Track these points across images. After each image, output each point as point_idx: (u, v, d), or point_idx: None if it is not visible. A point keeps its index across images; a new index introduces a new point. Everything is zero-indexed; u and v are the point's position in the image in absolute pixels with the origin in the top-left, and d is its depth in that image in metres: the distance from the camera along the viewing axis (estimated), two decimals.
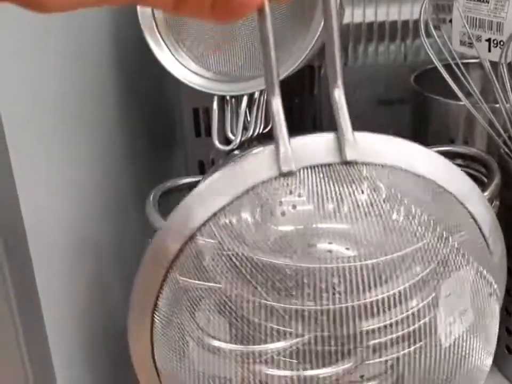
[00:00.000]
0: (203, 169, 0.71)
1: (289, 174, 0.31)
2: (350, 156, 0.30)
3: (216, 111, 0.56)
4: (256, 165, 0.32)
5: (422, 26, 0.50)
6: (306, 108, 0.75)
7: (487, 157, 0.49)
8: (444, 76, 0.51)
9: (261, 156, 0.32)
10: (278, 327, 0.41)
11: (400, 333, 0.45)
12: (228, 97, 0.57)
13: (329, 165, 0.32)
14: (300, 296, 0.43)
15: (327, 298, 0.42)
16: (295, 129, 0.33)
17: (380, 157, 0.33)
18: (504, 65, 0.43)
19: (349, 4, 0.73)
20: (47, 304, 0.40)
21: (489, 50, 0.46)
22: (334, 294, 0.43)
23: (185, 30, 0.55)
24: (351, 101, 0.73)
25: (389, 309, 0.44)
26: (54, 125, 0.44)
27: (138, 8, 0.53)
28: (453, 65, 0.52)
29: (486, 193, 0.46)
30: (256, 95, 0.56)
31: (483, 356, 0.44)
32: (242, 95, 0.56)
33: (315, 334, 0.43)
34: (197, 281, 0.43)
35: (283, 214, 0.35)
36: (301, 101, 0.73)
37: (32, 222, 0.38)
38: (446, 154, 0.52)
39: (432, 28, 0.48)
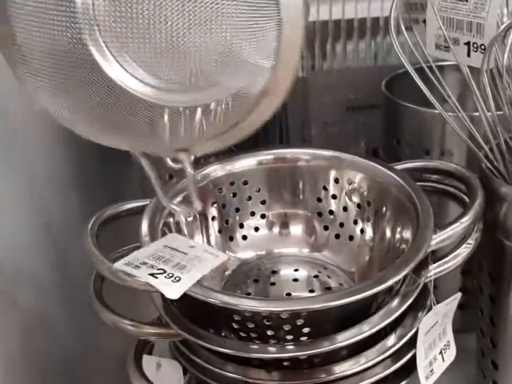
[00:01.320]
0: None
1: None
2: None
3: (168, 126, 0.50)
4: None
5: (392, 27, 0.45)
6: None
7: (467, 173, 0.44)
8: (416, 81, 0.46)
9: None
10: None
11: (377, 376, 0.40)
12: (181, 109, 0.51)
13: None
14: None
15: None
16: None
17: None
18: (486, 72, 0.38)
19: (314, 1, 0.68)
20: None
21: (469, 55, 0.41)
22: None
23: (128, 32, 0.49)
24: (320, 106, 0.69)
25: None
26: None
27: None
28: (426, 69, 0.47)
29: (468, 216, 0.41)
30: (213, 106, 0.51)
31: None
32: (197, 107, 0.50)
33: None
34: None
35: None
36: None
37: None
38: (420, 170, 0.48)
39: (403, 29, 0.43)
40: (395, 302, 0.39)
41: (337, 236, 0.49)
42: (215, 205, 0.50)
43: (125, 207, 0.45)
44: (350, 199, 0.48)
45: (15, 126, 0.48)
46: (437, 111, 0.48)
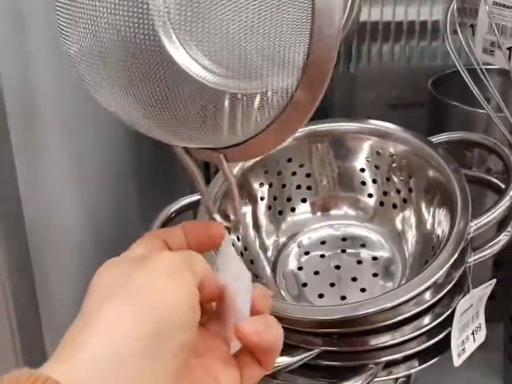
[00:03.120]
0: (208, 168, 0.69)
1: None
2: None
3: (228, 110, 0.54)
4: None
5: (448, 30, 0.48)
6: None
7: (507, 150, 0.47)
8: (467, 81, 0.49)
9: None
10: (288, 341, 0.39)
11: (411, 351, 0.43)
12: (239, 96, 0.54)
13: None
14: None
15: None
16: None
17: None
18: None
19: (365, 2, 0.71)
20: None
21: (510, 58, 0.44)
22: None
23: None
24: (364, 102, 0.72)
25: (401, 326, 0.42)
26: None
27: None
28: (478, 70, 0.50)
29: (505, 200, 0.44)
30: (269, 93, 0.54)
31: None
32: (255, 94, 0.54)
33: (325, 348, 0.41)
34: None
35: None
36: None
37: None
38: (462, 141, 0.51)
39: (459, 32, 0.46)
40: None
41: (381, 203, 0.52)
42: (263, 186, 0.53)
43: (181, 204, 0.49)
44: (392, 172, 0.51)
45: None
46: (481, 111, 0.50)
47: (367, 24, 0.70)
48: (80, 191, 0.50)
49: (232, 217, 0.45)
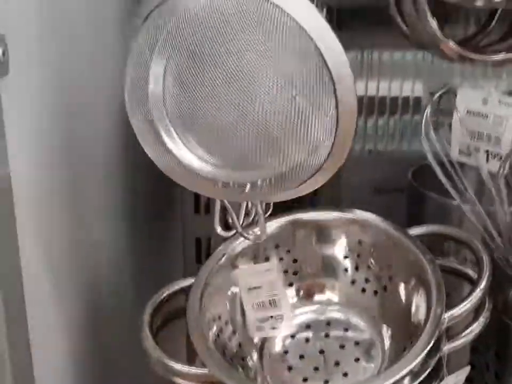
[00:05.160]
0: (200, 247, 0.72)
1: None
2: None
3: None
4: None
5: (423, 129, 0.53)
6: None
7: (478, 244, 0.50)
8: (439, 176, 0.53)
9: None
10: None
11: None
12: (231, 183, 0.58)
13: None
14: None
15: None
16: None
17: None
18: (502, 179, 0.45)
19: None
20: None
21: (487, 161, 0.48)
22: None
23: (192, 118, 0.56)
24: (349, 186, 0.76)
25: None
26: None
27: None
28: (448, 166, 0.54)
29: (477, 290, 0.47)
30: (259, 182, 0.58)
31: None
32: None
33: None
34: None
35: None
36: None
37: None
38: (436, 235, 0.54)
39: (432, 135, 0.51)
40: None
41: (363, 290, 0.55)
42: None
43: (174, 289, 0.53)
44: (373, 260, 0.54)
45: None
46: (457, 202, 0.54)
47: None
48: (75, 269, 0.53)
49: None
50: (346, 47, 0.69)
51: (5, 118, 0.36)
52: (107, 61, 0.55)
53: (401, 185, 0.70)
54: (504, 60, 0.48)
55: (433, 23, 0.46)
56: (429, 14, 0.45)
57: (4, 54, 0.36)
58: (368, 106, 0.76)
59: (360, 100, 0.74)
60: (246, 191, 0.57)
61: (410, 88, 0.76)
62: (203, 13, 0.41)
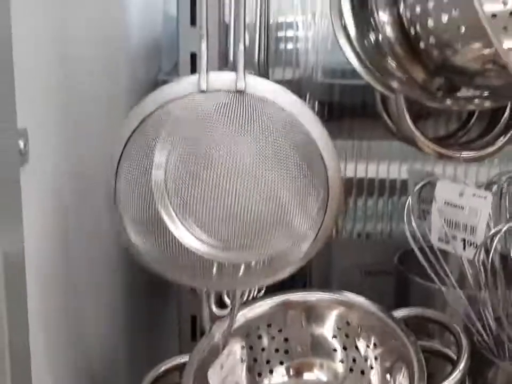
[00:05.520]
0: (195, 324, 0.74)
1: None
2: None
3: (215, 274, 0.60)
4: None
5: (406, 217, 0.57)
6: None
7: (457, 327, 0.53)
8: (421, 261, 0.56)
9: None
10: None
11: None
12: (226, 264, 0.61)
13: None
14: None
15: None
16: None
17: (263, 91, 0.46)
18: (479, 264, 0.49)
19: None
20: None
21: (464, 249, 0.52)
22: None
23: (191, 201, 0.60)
24: (340, 269, 0.79)
25: None
26: None
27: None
28: (428, 251, 0.57)
29: (456, 372, 0.49)
30: (253, 263, 0.61)
31: None
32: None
33: None
34: None
35: None
36: None
37: None
38: (418, 317, 0.57)
39: (413, 220, 0.55)
40: None
41: (351, 369, 0.57)
42: (244, 349, 0.59)
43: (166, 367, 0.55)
44: (360, 340, 0.57)
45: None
46: (441, 287, 0.57)
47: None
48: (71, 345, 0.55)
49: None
50: (336, 136, 0.75)
51: (24, 201, 0.40)
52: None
53: (389, 268, 0.74)
54: (476, 157, 0.52)
55: (410, 123, 0.50)
56: (407, 115, 0.50)
57: (25, 145, 0.41)
58: (358, 187, 0.81)
59: (349, 181, 0.80)
60: (241, 272, 0.60)
61: (397, 170, 0.80)
62: (201, 116, 0.46)
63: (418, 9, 0.43)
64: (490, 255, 0.48)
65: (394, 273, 0.70)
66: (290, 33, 0.77)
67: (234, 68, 0.49)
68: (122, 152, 0.46)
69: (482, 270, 0.51)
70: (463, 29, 0.40)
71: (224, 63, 0.63)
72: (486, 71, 0.41)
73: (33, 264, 0.42)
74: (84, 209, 0.55)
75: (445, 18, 0.40)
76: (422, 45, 0.44)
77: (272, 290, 0.60)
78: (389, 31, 0.46)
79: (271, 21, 0.70)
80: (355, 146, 0.77)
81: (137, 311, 0.73)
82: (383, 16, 0.46)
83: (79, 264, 0.55)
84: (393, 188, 0.80)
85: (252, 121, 0.48)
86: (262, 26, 0.60)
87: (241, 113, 0.48)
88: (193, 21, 0.66)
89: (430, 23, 0.42)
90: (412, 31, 0.44)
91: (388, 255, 0.73)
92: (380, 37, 0.47)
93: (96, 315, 0.60)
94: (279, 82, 0.72)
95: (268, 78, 0.62)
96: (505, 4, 0.51)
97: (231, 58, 0.53)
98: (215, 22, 0.65)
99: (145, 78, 0.79)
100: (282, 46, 0.77)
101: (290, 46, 0.76)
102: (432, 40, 0.42)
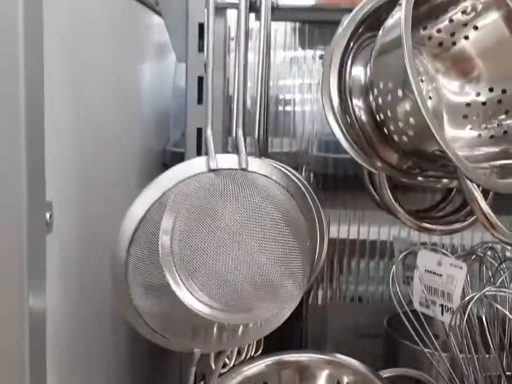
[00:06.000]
0: (195, 382, 0.78)
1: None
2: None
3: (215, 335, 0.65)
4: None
5: (391, 283, 0.62)
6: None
7: None
8: (406, 324, 0.61)
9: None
10: None
11: None
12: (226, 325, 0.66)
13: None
14: None
15: None
16: None
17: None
18: (455, 328, 0.53)
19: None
20: None
21: (442, 314, 0.57)
22: None
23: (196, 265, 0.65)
24: (334, 329, 0.83)
25: None
26: None
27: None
28: (411, 315, 0.62)
29: None
30: (251, 324, 0.66)
31: None
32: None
33: None
34: None
35: None
36: None
37: None
38: (406, 377, 0.61)
39: (397, 286, 0.60)
40: None
41: None
42: None
43: None
44: None
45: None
46: (427, 350, 0.62)
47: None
48: None
49: None
50: (331, 206, 0.81)
51: (48, 266, 0.45)
52: None
53: (380, 330, 0.78)
54: (451, 230, 0.58)
55: (391, 197, 0.56)
56: (388, 190, 0.56)
57: (50, 217, 0.47)
58: (350, 249, 0.86)
59: (342, 242, 0.85)
60: (239, 333, 0.65)
61: (387, 232, 0.85)
62: (208, 190, 0.52)
63: (380, 100, 0.49)
64: (464, 319, 0.53)
65: (384, 335, 0.74)
66: (288, 108, 0.83)
67: (236, 149, 0.55)
68: (135, 230, 0.52)
69: (459, 334, 0.56)
70: (412, 121, 0.46)
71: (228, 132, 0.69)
72: (441, 156, 0.46)
73: (52, 320, 0.47)
74: (98, 271, 0.60)
75: (399, 110, 0.46)
76: (386, 131, 0.50)
77: (269, 350, 0.64)
78: (363, 116, 0.53)
79: (271, 96, 0.77)
80: (348, 215, 0.82)
81: (141, 370, 0.77)
82: (357, 102, 0.53)
83: (88, 323, 0.60)
84: (383, 250, 0.85)
85: (252, 195, 0.54)
86: (262, 102, 0.66)
87: (243, 188, 0.54)
88: (200, 100, 0.72)
89: (389, 113, 0.48)
90: (379, 118, 0.50)
91: (380, 317, 0.78)
92: (355, 120, 0.53)
93: (102, 373, 0.64)
94: (277, 154, 0.80)
95: (267, 151, 0.69)
96: (477, 95, 0.58)
97: (233, 134, 0.59)
98: (220, 100, 0.72)
99: (155, 148, 0.85)
100: (281, 119, 0.84)
101: (288, 119, 0.83)
102: (392, 127, 0.48)
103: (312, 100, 0.82)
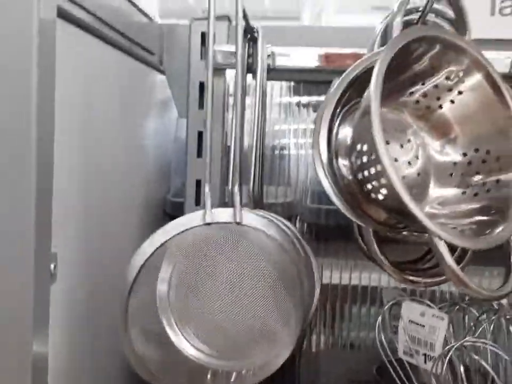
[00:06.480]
0: None
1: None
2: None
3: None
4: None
5: (377, 332, 0.65)
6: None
7: None
8: (392, 373, 0.64)
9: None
10: None
11: None
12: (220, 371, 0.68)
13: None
14: None
15: None
16: None
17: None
18: (436, 374, 0.56)
19: None
20: None
21: (425, 362, 0.59)
22: None
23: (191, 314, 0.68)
24: (326, 377, 0.86)
25: None
26: None
27: None
28: (395, 363, 0.64)
29: None
30: (244, 371, 0.68)
31: None
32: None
33: None
34: None
35: None
36: None
37: None
38: None
39: (382, 335, 0.62)
40: None
41: None
42: None
43: None
44: None
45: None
46: None
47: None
48: None
49: None
50: (324, 255, 0.84)
51: (51, 312, 0.48)
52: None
53: (370, 377, 0.80)
54: (435, 283, 0.61)
55: (377, 250, 0.59)
56: (375, 244, 0.59)
57: (55, 267, 0.50)
58: (342, 295, 0.88)
59: (335, 287, 0.87)
60: (233, 380, 0.68)
61: (377, 279, 0.88)
62: (204, 242, 0.55)
63: (359, 161, 0.53)
64: (444, 368, 0.56)
65: (373, 383, 0.76)
66: (283, 156, 0.87)
67: (232, 203, 0.59)
68: (135, 279, 0.55)
69: (442, 382, 0.58)
70: (383, 181, 0.49)
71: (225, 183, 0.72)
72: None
73: (53, 365, 0.50)
74: (100, 319, 0.63)
75: (372, 170, 0.50)
76: (365, 188, 0.54)
77: None
78: (349, 175, 0.56)
79: (266, 144, 0.80)
80: (340, 264, 0.85)
81: None
82: (343, 161, 0.56)
83: (94, 365, 0.62)
84: (374, 297, 0.87)
85: (246, 247, 0.58)
86: (257, 155, 0.70)
87: (237, 240, 0.57)
88: (199, 154, 0.76)
89: (365, 172, 0.52)
90: (360, 177, 0.54)
91: (370, 363, 0.80)
92: (340, 178, 0.57)
93: None
94: (272, 205, 0.83)
95: (262, 201, 0.72)
96: (464, 155, 0.61)
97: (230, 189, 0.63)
98: (219, 153, 0.76)
99: (157, 197, 0.89)
100: (276, 168, 0.87)
101: (283, 168, 0.87)
102: (369, 186, 0.52)
103: (306, 144, 0.85)
